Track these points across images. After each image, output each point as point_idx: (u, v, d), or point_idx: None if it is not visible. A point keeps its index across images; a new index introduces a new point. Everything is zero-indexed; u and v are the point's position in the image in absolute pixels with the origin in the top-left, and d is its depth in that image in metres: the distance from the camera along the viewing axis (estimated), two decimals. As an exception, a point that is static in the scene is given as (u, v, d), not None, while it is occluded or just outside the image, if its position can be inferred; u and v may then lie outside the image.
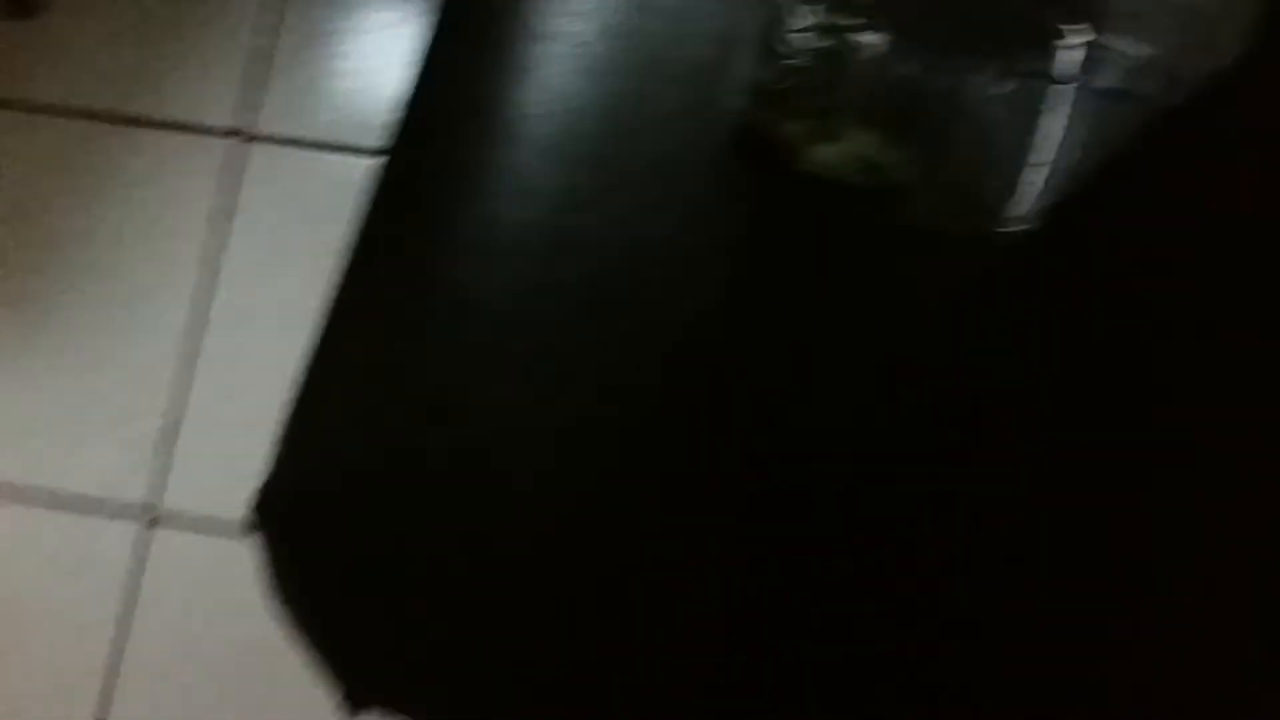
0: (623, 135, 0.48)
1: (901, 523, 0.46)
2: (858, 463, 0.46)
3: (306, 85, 1.08)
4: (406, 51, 1.09)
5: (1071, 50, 0.44)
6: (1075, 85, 0.44)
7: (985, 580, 0.45)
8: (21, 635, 0.97)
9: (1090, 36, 0.43)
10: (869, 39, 0.45)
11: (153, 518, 0.99)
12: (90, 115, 1.09)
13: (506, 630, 0.46)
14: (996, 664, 0.44)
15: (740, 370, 0.48)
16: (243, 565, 0.94)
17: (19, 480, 1.01)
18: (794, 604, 0.45)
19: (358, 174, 1.03)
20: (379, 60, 1.09)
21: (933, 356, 0.47)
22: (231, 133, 1.08)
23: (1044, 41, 0.44)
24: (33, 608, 0.98)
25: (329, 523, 0.48)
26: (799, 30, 0.44)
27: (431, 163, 0.48)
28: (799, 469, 0.47)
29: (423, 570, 0.47)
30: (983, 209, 0.46)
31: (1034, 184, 0.45)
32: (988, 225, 0.46)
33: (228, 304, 1.03)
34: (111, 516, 0.99)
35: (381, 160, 0.50)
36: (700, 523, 0.46)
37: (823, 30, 0.44)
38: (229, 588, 0.96)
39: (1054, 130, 0.45)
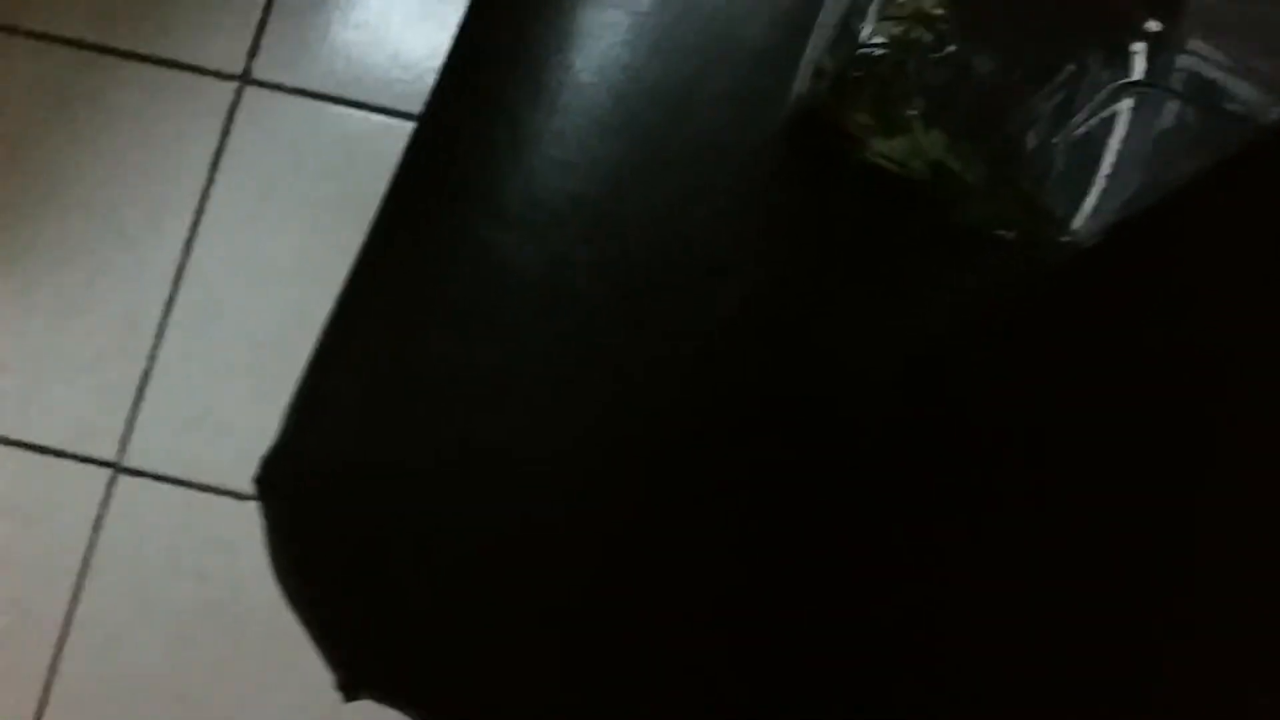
0: (675, 113, 0.46)
1: (929, 531, 0.44)
2: (887, 466, 0.45)
3: (312, 35, 1.04)
4: (418, 9, 1.05)
5: (1157, 57, 0.42)
6: (1157, 94, 0.42)
7: (1015, 593, 0.44)
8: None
9: (1180, 43, 0.41)
10: (948, 33, 0.42)
11: (119, 466, 0.96)
12: (90, 47, 1.05)
13: (506, 628, 0.44)
14: (1025, 668, 0.43)
15: (774, 365, 0.46)
16: (207, 521, 0.93)
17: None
18: (805, 609, 0.44)
19: (357, 128, 1.02)
20: (390, 15, 1.05)
21: (977, 365, 0.46)
22: (232, 76, 1.04)
23: (1127, 48, 0.42)
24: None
25: (333, 503, 0.46)
26: (879, 18, 0.42)
27: (472, 124, 0.46)
28: (826, 467, 0.45)
29: (427, 562, 0.45)
30: (1047, 219, 0.44)
31: (1103, 196, 0.43)
32: (1050, 236, 0.44)
33: (205, 253, 1.00)
34: (79, 462, 0.96)
35: (420, 117, 0.47)
36: (717, 521, 0.45)
37: (903, 20, 0.42)
38: (191, 543, 0.94)
39: (1129, 141, 0.43)
